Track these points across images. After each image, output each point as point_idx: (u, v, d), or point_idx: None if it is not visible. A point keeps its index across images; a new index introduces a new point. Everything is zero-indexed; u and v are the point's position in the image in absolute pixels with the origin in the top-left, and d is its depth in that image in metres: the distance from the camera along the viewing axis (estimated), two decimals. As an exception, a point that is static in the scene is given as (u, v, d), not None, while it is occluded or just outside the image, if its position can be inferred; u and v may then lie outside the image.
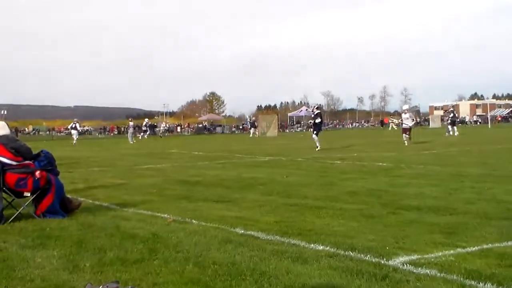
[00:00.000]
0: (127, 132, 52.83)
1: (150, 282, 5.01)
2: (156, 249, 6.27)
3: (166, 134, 61.59)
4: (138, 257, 5.92)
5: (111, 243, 6.63)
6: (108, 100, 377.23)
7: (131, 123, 50.34)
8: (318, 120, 27.09)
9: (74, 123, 49.17)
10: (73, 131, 48.43)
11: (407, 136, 29.15)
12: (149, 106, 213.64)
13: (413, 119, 31.79)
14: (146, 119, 71.54)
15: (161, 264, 5.62)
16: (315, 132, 26.98)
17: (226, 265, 5.50)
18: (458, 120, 45.32)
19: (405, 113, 31.09)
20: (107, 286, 4.27)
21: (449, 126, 43.83)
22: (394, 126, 61.74)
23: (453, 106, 50.33)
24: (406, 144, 28.37)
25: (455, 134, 41.79)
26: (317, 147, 26.21)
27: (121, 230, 7.47)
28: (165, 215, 8.52)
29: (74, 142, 45.20)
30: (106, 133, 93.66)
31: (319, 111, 28.27)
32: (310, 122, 29.95)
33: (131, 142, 44.87)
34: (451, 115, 45.13)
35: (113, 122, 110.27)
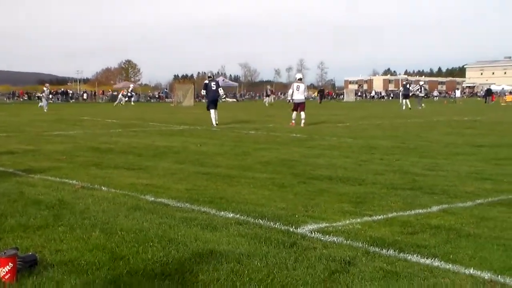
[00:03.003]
0: (41, 98, 46.05)
1: (52, 248, 4.84)
2: (62, 216, 6.08)
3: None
4: (41, 224, 5.72)
5: (13, 209, 6.37)
6: (17, 65, 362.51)
7: (46, 89, 43.18)
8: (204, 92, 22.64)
9: None
10: None
11: (303, 115, 22.28)
12: (62, 72, 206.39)
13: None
14: (132, 85, 68.73)
15: (66, 231, 5.45)
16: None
17: (134, 232, 5.40)
18: (412, 93, 45.84)
19: (297, 82, 23.55)
20: (4, 253, 4.10)
21: (403, 100, 43.02)
22: (267, 102, 57.30)
23: (406, 80, 50.90)
24: (301, 125, 21.83)
25: (408, 107, 41.24)
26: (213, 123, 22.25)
27: (25, 196, 7.20)
28: (74, 182, 8.29)
29: None
30: (16, 98, 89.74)
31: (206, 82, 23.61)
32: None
33: (46, 110, 39.10)
34: (402, 89, 45.25)
35: (22, 88, 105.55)
